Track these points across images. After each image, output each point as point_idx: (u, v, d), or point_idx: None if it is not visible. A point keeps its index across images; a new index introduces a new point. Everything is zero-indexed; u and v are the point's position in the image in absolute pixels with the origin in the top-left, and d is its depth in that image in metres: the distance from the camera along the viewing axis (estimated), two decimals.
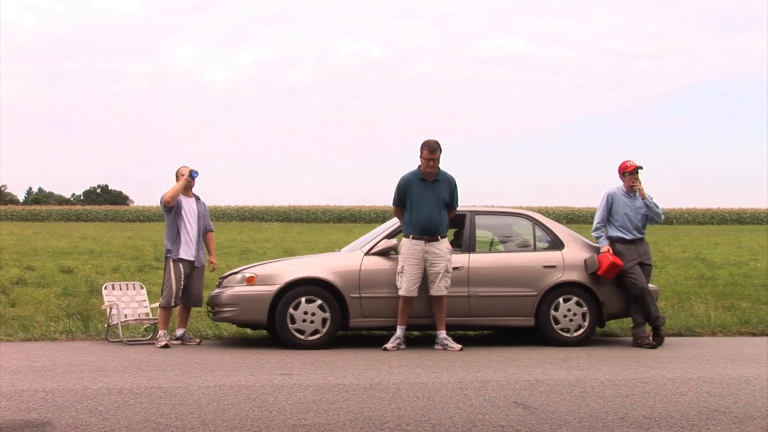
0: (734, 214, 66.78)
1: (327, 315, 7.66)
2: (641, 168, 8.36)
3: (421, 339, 8.47)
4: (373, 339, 8.25)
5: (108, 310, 8.10)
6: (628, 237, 8.24)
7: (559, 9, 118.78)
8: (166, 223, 8.10)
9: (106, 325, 8.24)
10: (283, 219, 64.05)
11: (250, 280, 7.75)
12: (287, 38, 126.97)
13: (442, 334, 7.70)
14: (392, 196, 7.91)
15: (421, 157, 7.76)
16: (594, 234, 8.44)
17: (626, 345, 8.20)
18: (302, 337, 7.62)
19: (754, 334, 9.16)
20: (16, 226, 44.85)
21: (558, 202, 72.95)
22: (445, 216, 7.79)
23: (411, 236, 7.71)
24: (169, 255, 7.98)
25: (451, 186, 7.83)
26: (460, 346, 7.61)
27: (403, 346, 7.62)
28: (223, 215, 62.39)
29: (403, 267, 7.66)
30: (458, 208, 8.12)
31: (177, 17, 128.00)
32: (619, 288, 8.22)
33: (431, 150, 7.68)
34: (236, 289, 7.76)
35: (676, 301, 11.29)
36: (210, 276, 13.28)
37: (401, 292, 7.62)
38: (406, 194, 7.80)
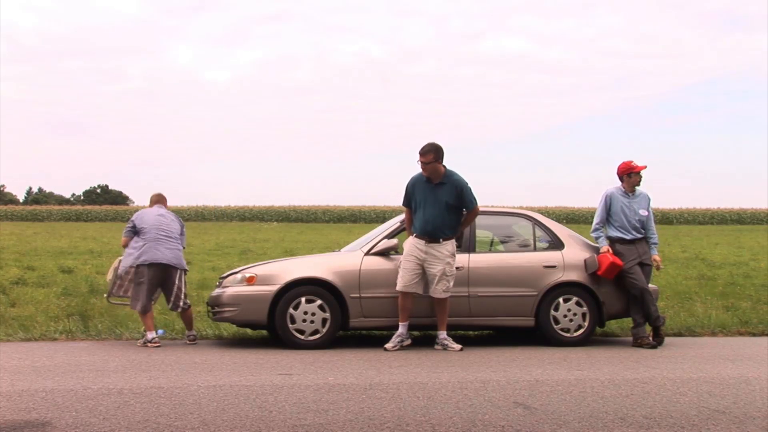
0: (734, 214, 66.81)
1: (327, 315, 7.66)
2: (645, 168, 8.37)
3: (421, 339, 8.47)
4: (373, 339, 8.25)
5: (113, 271, 8.23)
6: (628, 237, 8.24)
7: (559, 9, 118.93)
8: (181, 240, 8.34)
9: (106, 295, 8.43)
10: (283, 219, 64.03)
11: (250, 280, 7.74)
12: (287, 38, 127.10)
13: (443, 334, 7.70)
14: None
15: None
16: (593, 234, 8.43)
17: (626, 345, 8.20)
18: (302, 337, 7.62)
19: (754, 334, 9.16)
20: (16, 226, 44.87)
21: (558, 202, 72.97)
22: (448, 219, 7.69)
23: (414, 234, 7.73)
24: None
25: (457, 188, 7.69)
26: (460, 346, 7.61)
27: (408, 341, 7.62)
28: (223, 215, 62.28)
29: (401, 262, 7.68)
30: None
31: (177, 17, 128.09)
32: (619, 288, 8.21)
33: (421, 153, 7.64)
34: (236, 289, 7.76)
35: (676, 301, 11.29)
36: (211, 276, 13.31)
37: (398, 287, 7.63)
38: (412, 195, 7.81)
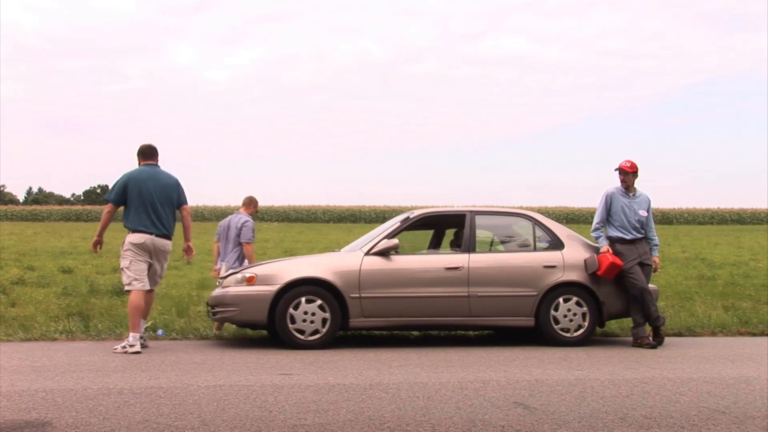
0: (734, 214, 66.84)
1: (327, 315, 7.66)
2: (628, 167, 8.37)
3: (421, 339, 8.48)
4: (373, 339, 8.26)
5: None
6: (628, 237, 8.24)
7: (559, 9, 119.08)
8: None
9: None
10: (283, 219, 64.02)
11: (250, 280, 7.74)
12: (287, 38, 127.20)
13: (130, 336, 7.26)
14: None
15: None
16: (593, 234, 8.44)
17: (626, 345, 8.20)
18: (302, 337, 7.61)
19: (754, 334, 9.16)
20: (16, 226, 44.89)
21: (558, 202, 73.08)
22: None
23: None
24: None
25: None
26: (139, 350, 7.15)
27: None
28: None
29: None
30: (459, 208, 8.13)
31: (177, 17, 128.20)
32: (619, 288, 8.21)
33: None
34: (236, 289, 7.76)
35: (676, 301, 11.29)
36: (211, 276, 13.30)
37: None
38: None
